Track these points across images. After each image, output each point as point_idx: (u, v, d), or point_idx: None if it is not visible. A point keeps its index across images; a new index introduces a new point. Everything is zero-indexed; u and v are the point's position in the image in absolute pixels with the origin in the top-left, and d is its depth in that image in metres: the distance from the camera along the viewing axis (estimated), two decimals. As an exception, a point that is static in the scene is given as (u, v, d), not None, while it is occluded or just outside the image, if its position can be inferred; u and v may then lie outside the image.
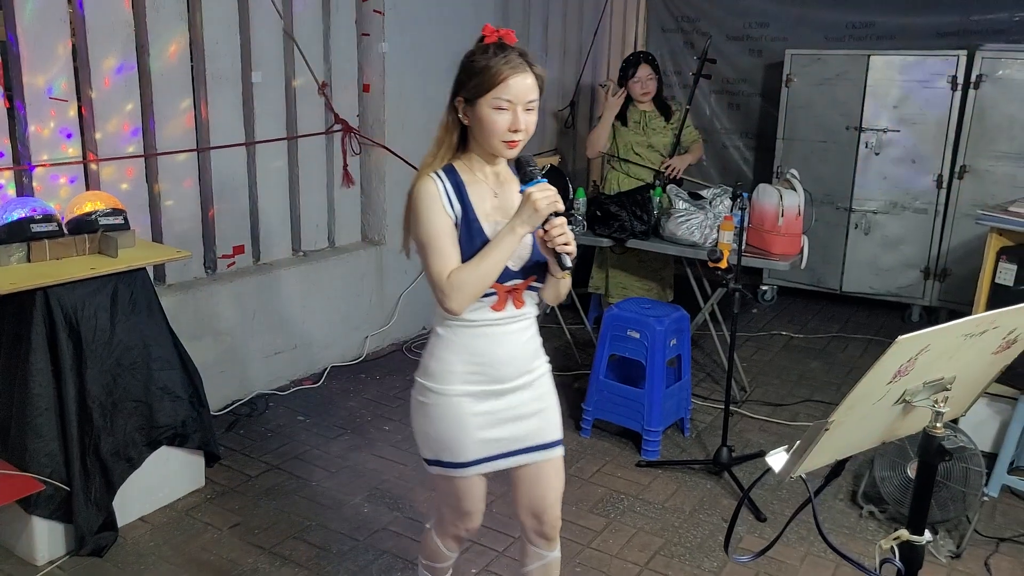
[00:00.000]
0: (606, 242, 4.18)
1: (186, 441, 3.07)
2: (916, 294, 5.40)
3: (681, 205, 4.03)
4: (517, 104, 1.80)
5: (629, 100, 4.54)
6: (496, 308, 1.90)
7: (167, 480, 3.11)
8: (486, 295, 1.86)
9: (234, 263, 4.03)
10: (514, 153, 1.86)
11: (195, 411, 3.08)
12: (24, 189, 3.22)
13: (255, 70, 3.93)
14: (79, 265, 2.81)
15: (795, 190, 3.94)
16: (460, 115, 1.87)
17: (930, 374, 1.45)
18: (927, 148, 5.18)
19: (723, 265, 3.47)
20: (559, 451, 2.06)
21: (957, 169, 5.09)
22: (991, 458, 3.28)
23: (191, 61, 3.70)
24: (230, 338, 3.92)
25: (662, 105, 4.59)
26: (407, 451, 3.62)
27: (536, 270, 1.92)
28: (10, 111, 3.14)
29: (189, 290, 3.73)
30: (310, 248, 4.45)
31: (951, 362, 1.46)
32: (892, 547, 1.54)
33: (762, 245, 3.93)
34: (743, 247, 3.47)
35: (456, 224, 1.85)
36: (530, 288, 1.94)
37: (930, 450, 1.50)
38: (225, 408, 3.88)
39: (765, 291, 5.87)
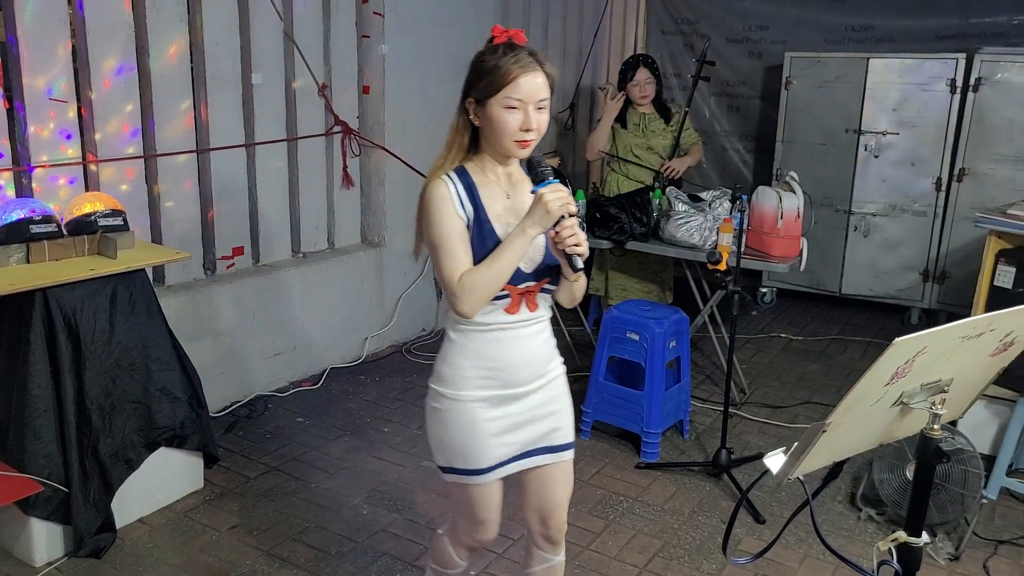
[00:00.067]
0: (606, 244, 4.18)
1: (185, 442, 3.07)
2: (915, 296, 5.41)
3: (680, 207, 4.04)
4: (528, 103, 1.78)
5: (628, 102, 4.55)
6: (509, 311, 1.88)
7: (166, 481, 3.11)
8: (499, 297, 1.84)
9: (233, 264, 4.04)
10: (526, 153, 1.84)
11: (194, 412, 3.08)
12: (23, 190, 3.22)
13: (255, 71, 3.93)
14: (78, 266, 2.81)
15: (794, 192, 3.94)
16: (471, 116, 1.85)
17: (927, 376, 1.46)
18: (926, 151, 5.18)
19: (722, 267, 3.47)
20: (570, 454, 2.05)
21: (956, 172, 5.09)
22: (990, 460, 3.27)
23: (191, 62, 3.70)
24: (229, 339, 3.92)
25: (662, 107, 4.59)
26: (406, 453, 3.62)
27: (549, 272, 1.90)
28: (10, 112, 3.15)
29: (189, 291, 3.74)
30: (310, 249, 4.45)
31: (948, 364, 1.46)
32: (890, 549, 1.54)
33: (761, 247, 3.93)
34: (742, 249, 3.47)
35: (468, 226, 1.83)
36: (543, 290, 1.92)
37: (927, 452, 1.50)
38: (224, 409, 3.88)
39: (764, 293, 5.87)
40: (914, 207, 5.30)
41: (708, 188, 4.38)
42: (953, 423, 3.01)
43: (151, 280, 3.14)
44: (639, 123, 4.57)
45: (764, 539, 3.01)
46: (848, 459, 1.60)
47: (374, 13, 4.43)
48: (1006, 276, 3.42)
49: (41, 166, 3.20)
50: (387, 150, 4.57)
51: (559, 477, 2.05)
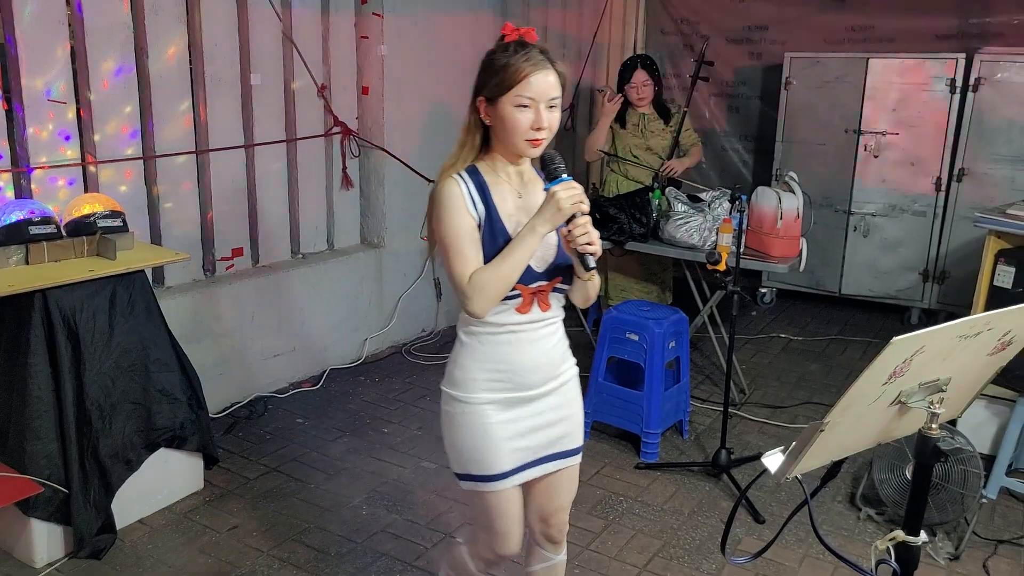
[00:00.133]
0: (605, 245, 4.18)
1: (185, 443, 3.08)
2: (915, 296, 5.40)
3: (680, 207, 4.04)
4: (539, 102, 1.77)
5: (628, 103, 4.54)
6: (521, 311, 1.85)
7: (166, 482, 3.11)
8: (510, 297, 1.82)
9: (233, 265, 4.04)
10: (537, 152, 1.82)
11: (194, 413, 3.08)
12: (23, 191, 3.22)
13: (254, 72, 3.94)
14: (78, 267, 2.81)
15: (794, 193, 3.94)
16: (482, 115, 1.84)
17: (925, 375, 1.46)
18: (926, 151, 5.18)
19: (722, 267, 3.47)
20: (579, 459, 2.04)
21: (956, 172, 5.09)
22: (989, 460, 3.27)
23: (190, 63, 3.71)
24: (229, 340, 3.92)
25: (661, 108, 4.59)
26: (406, 453, 3.62)
27: (561, 272, 1.88)
28: (8, 113, 3.15)
29: (188, 292, 3.74)
30: (309, 250, 4.45)
31: (946, 363, 1.46)
32: (888, 548, 1.54)
33: (761, 247, 3.93)
34: (742, 249, 3.47)
35: (479, 225, 1.82)
36: (556, 290, 1.90)
37: (926, 451, 1.50)
38: (224, 410, 3.88)
39: (764, 293, 5.87)
40: (914, 207, 5.29)
41: (708, 188, 4.38)
42: (952, 422, 3.01)
43: (151, 281, 3.14)
44: (638, 123, 4.56)
45: (763, 539, 3.01)
46: (846, 458, 1.60)
47: (373, 14, 4.44)
48: (1006, 276, 3.42)
49: (40, 167, 3.21)
50: (386, 151, 4.57)
51: (565, 481, 2.04)
